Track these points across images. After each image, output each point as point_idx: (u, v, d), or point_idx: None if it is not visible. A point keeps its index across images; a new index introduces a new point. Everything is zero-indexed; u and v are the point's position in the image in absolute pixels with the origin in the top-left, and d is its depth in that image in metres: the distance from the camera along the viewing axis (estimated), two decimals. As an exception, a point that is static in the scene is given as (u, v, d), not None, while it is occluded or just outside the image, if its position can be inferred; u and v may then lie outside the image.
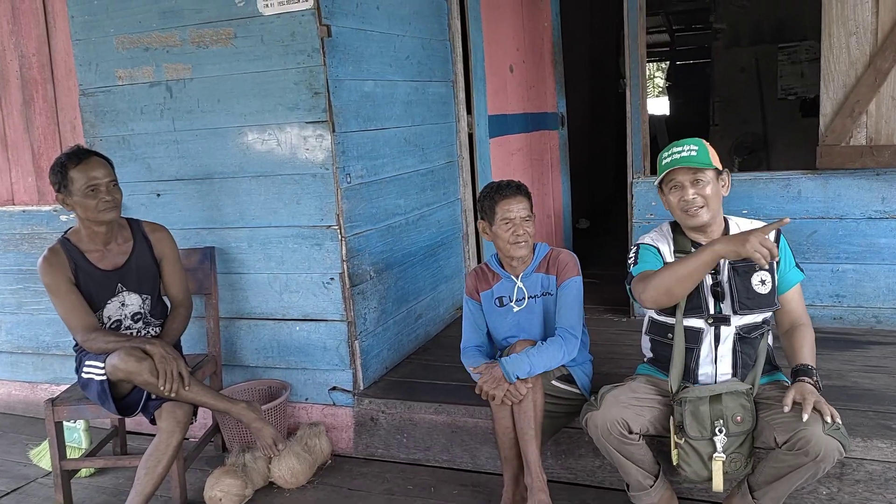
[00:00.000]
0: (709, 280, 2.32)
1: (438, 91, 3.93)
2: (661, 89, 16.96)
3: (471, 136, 4.14)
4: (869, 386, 2.88)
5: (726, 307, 2.31)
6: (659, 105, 15.75)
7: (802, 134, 6.49)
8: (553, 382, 2.65)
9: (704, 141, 2.33)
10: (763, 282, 2.29)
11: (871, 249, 3.46)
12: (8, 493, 3.07)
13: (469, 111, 4.11)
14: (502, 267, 2.70)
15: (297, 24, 2.95)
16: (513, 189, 2.61)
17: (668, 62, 12.04)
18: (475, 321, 2.77)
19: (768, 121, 7.36)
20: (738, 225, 2.36)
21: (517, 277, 2.68)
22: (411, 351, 3.64)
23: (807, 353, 2.26)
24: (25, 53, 3.64)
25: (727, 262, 2.30)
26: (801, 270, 2.36)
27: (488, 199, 2.64)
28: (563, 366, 2.67)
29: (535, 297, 2.67)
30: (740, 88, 7.40)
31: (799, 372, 2.21)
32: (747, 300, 2.29)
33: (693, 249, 2.33)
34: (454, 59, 4.05)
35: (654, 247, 2.40)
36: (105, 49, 3.26)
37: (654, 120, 11.44)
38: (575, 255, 2.71)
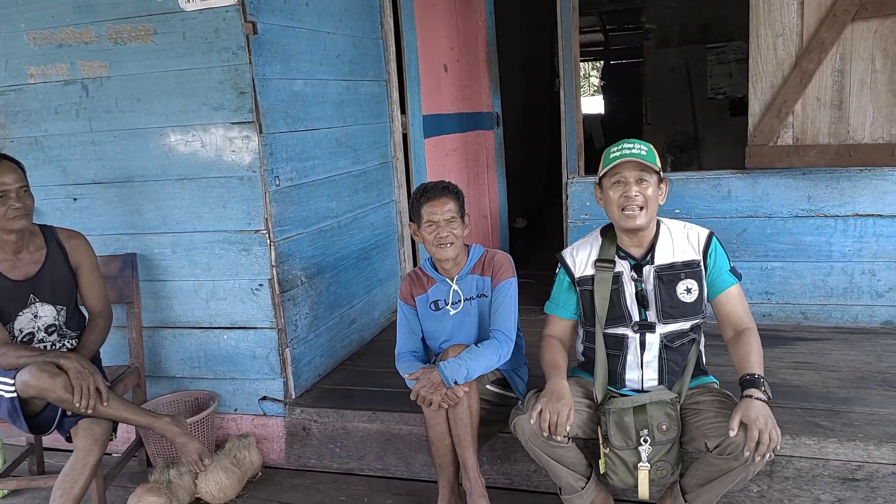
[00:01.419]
0: (632, 288, 2.31)
1: (371, 90, 3.85)
2: (595, 88, 17.21)
3: (405, 137, 4.08)
4: (796, 383, 2.93)
5: (651, 315, 2.30)
6: (594, 104, 15.98)
7: (732, 132, 6.62)
8: (487, 387, 2.62)
9: (651, 145, 2.30)
10: (689, 290, 2.28)
11: (797, 247, 3.54)
12: (-89, 520, 2.87)
13: (403, 111, 4.05)
14: (437, 270, 2.65)
15: (220, 21, 2.83)
16: (438, 191, 2.56)
17: (602, 62, 12.20)
18: (410, 326, 2.71)
19: (699, 120, 7.50)
20: (670, 228, 2.35)
21: (452, 280, 2.63)
22: (345, 357, 3.56)
23: (753, 360, 2.15)
24: (-73, 48, 3.41)
25: (653, 269, 2.29)
26: (737, 275, 2.32)
27: (415, 201, 2.59)
28: (497, 370, 2.64)
29: (470, 299, 2.62)
30: (671, 88, 7.52)
31: (746, 384, 2.09)
32: (671, 308, 2.28)
33: (617, 259, 2.33)
34: (387, 58, 3.97)
35: (570, 274, 2.39)
36: (15, 45, 3.08)
37: (589, 119, 11.52)
38: (510, 256, 2.67)
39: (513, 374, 2.71)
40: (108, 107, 3.03)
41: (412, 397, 2.45)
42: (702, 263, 2.29)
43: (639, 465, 2.20)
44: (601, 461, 2.28)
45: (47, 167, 3.14)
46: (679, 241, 2.31)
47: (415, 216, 2.59)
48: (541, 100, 8.11)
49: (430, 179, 3.51)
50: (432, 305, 2.66)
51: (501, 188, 5.03)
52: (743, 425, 1.98)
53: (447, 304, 2.63)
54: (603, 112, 11.53)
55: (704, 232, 2.33)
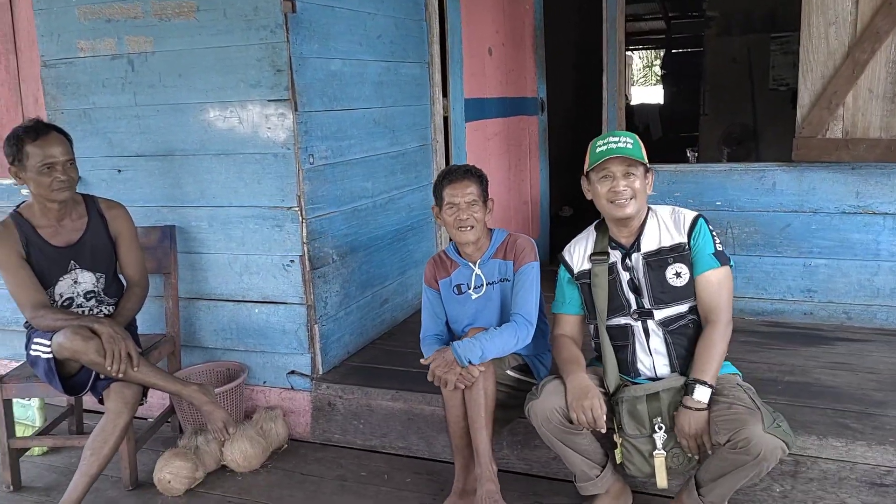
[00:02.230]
0: (626, 276, 2.32)
1: (412, 72, 3.86)
2: (657, 78, 16.84)
3: (446, 120, 4.07)
4: (830, 383, 2.84)
5: (645, 301, 2.30)
6: (654, 94, 15.65)
7: (793, 125, 6.42)
8: (508, 372, 2.61)
9: (636, 136, 2.30)
10: (678, 274, 2.26)
11: (844, 244, 3.41)
12: (-43, 470, 3.03)
13: (445, 94, 4.04)
14: (459, 254, 2.65)
15: (260, -1, 2.88)
16: (460, 174, 2.56)
17: (664, 50, 11.93)
18: (434, 310, 2.72)
19: (758, 111, 7.27)
20: (658, 214, 2.34)
21: (474, 264, 2.62)
22: (376, 336, 3.59)
23: (703, 363, 2.15)
24: (-13, 22, 3.57)
25: (640, 256, 2.29)
26: (723, 260, 2.27)
27: (438, 183, 2.60)
28: (518, 355, 2.63)
29: (492, 283, 2.62)
30: (731, 78, 7.30)
31: (687, 390, 2.14)
32: (662, 294, 2.27)
33: (610, 249, 2.34)
34: (430, 40, 3.97)
35: (570, 271, 2.43)
36: (67, 19, 3.19)
37: (647, 109, 11.37)
38: (532, 241, 2.66)
39: (535, 360, 2.69)
40: (151, 81, 3.11)
41: (429, 378, 2.46)
42: (688, 246, 2.27)
43: (654, 452, 2.18)
44: (617, 451, 2.26)
45: (94, 139, 3.24)
46: (665, 226, 2.31)
47: (437, 198, 2.59)
48: (594, 87, 7.98)
49: (471, 163, 3.51)
50: (455, 289, 2.66)
51: (544, 175, 4.98)
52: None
53: (469, 289, 2.63)
54: (662, 102, 11.30)
55: (691, 214, 2.32)
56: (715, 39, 7.42)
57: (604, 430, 2.21)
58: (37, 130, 2.63)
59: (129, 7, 3.07)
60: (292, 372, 3.18)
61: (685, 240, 2.27)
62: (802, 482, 2.44)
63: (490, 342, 2.42)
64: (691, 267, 2.26)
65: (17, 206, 2.75)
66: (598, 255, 2.36)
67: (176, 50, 3.04)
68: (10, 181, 3.52)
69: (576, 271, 2.41)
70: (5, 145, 2.63)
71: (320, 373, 3.17)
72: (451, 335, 2.74)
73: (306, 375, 3.16)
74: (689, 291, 2.27)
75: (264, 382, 3.24)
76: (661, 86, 12.71)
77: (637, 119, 10.24)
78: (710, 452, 2.12)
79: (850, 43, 3.17)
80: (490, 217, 2.60)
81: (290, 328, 3.13)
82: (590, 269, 2.37)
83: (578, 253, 2.42)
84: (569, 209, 7.02)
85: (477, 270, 2.62)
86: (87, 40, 3.17)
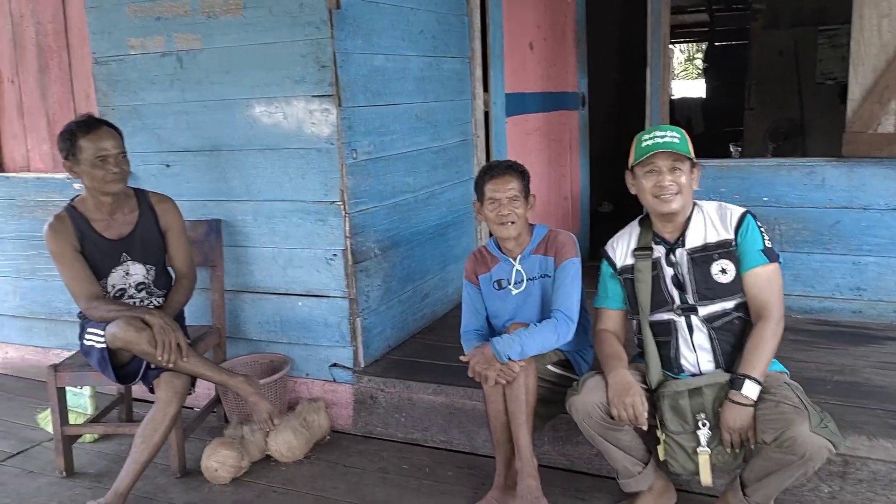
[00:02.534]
0: (669, 272, 2.30)
1: (454, 67, 3.86)
2: (699, 71, 16.58)
3: (487, 115, 4.07)
4: (881, 383, 2.78)
5: (689, 297, 2.27)
6: (696, 87, 15.41)
7: (842, 120, 6.28)
8: (549, 367, 2.60)
9: (683, 130, 2.28)
10: (724, 270, 2.24)
11: (895, 241, 3.33)
12: (13, 455, 3.13)
13: (486, 89, 4.04)
14: (500, 249, 2.65)
15: (306, -5, 2.91)
16: (502, 169, 2.56)
17: (706, 43, 11.74)
18: (474, 305, 2.72)
19: (805, 106, 7.12)
20: (704, 209, 2.31)
21: (515, 260, 2.62)
22: (416, 330, 3.61)
23: (753, 359, 2.12)
24: (42, 20, 3.66)
25: (685, 252, 2.27)
26: (772, 257, 2.23)
27: (479, 178, 2.60)
28: (560, 351, 2.62)
29: (533, 279, 2.61)
30: (778, 72, 7.17)
31: (733, 384, 2.11)
32: (706, 290, 2.25)
33: (654, 245, 2.32)
34: (472, 35, 3.97)
35: (612, 265, 2.42)
36: (118, 17, 3.26)
37: (689, 102, 11.21)
38: (574, 237, 2.64)
39: (576, 356, 2.68)
40: (199, 78, 3.16)
41: (469, 374, 2.47)
42: (734, 242, 2.24)
43: (698, 449, 2.15)
44: (660, 447, 2.25)
45: (144, 134, 3.32)
46: (711, 222, 2.29)
47: (478, 193, 2.60)
48: (637, 82, 7.90)
49: (511, 158, 3.49)
50: (495, 284, 2.66)
51: (584, 170, 4.94)
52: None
53: (510, 284, 2.63)
54: (704, 96, 11.12)
55: (739, 210, 2.28)
56: (761, 32, 7.29)
57: (645, 427, 2.20)
58: (89, 125, 2.70)
59: (179, 5, 3.13)
60: (335, 364, 3.22)
61: (732, 236, 2.24)
62: (851, 483, 2.40)
63: (530, 339, 2.42)
64: (737, 263, 2.24)
65: (72, 200, 2.83)
66: (642, 250, 2.34)
67: (223, 47, 3.09)
68: (64, 175, 3.63)
69: (618, 266, 2.40)
70: (59, 140, 2.71)
71: (362, 366, 3.20)
72: (491, 330, 2.75)
73: (348, 368, 3.19)
74: (734, 288, 2.24)
75: (307, 374, 3.29)
76: (702, 79, 12.52)
77: (678, 113, 10.10)
78: (752, 448, 2.09)
79: (905, 35, 3.09)
80: (531, 213, 2.60)
81: (332, 321, 3.17)
82: (633, 265, 2.35)
83: (621, 248, 2.41)
84: (609, 205, 6.96)
85: (517, 266, 2.62)
86: (138, 38, 3.24)
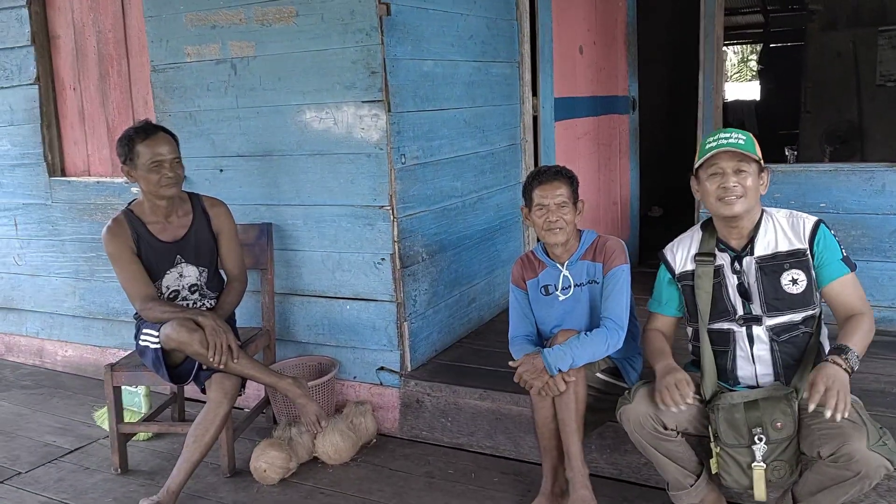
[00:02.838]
0: (734, 281, 2.23)
1: (503, 72, 3.86)
2: (753, 73, 16.24)
3: (535, 119, 4.05)
4: (944, 397, 2.68)
5: (755, 308, 2.20)
6: (749, 89, 15.09)
7: (903, 123, 6.09)
8: (597, 375, 2.58)
9: (751, 134, 2.21)
10: (794, 281, 2.17)
11: (960, 250, 3.21)
12: (71, 451, 3.23)
13: (535, 93, 4.02)
14: (548, 255, 2.64)
15: (356, 3, 2.94)
16: (550, 175, 2.54)
17: (760, 44, 11.49)
18: (522, 310, 2.71)
19: (865, 109, 6.92)
20: (774, 217, 2.24)
21: (562, 265, 2.60)
22: (463, 335, 3.61)
23: (852, 336, 2.06)
24: (102, 29, 3.77)
25: (753, 260, 2.20)
26: (851, 266, 2.17)
27: (528, 184, 2.59)
28: (609, 358, 2.59)
29: (580, 285, 2.59)
30: (835, 73, 6.98)
31: (833, 351, 2.03)
32: (776, 300, 2.18)
33: (717, 251, 2.26)
34: (521, 40, 3.96)
35: (671, 270, 2.36)
36: (175, 26, 3.34)
37: (742, 105, 10.99)
38: (623, 243, 2.61)
39: (625, 363, 2.65)
40: (252, 85, 3.22)
41: (515, 380, 2.46)
42: (808, 252, 2.17)
43: (753, 464, 2.09)
44: (713, 460, 2.19)
45: (198, 140, 3.39)
46: (783, 230, 2.22)
47: (527, 198, 2.59)
48: (688, 84, 7.78)
49: (560, 163, 3.47)
50: (542, 290, 2.64)
51: (634, 175, 4.88)
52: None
53: (557, 290, 2.61)
54: (758, 98, 10.89)
55: (811, 219, 2.21)
56: (818, 34, 7.10)
57: (687, 403, 2.12)
58: (146, 131, 2.78)
59: (234, 13, 3.19)
60: (382, 368, 3.24)
61: (805, 246, 2.18)
62: (910, 500, 2.32)
63: (581, 349, 2.40)
64: (809, 274, 2.17)
65: (129, 204, 2.91)
66: (704, 255, 2.27)
67: (276, 54, 3.14)
68: (122, 180, 3.74)
69: (677, 272, 2.34)
70: (118, 146, 2.79)
71: (409, 370, 3.22)
72: (539, 336, 2.74)
73: (395, 372, 3.21)
74: (805, 300, 2.17)
75: (354, 377, 3.32)
76: (756, 81, 12.26)
77: (731, 116, 9.90)
78: (844, 415, 1.91)
79: (972, 35, 2.98)
80: (580, 218, 2.57)
81: (380, 325, 3.19)
82: (693, 271, 2.29)
83: (682, 252, 2.35)
84: (658, 209, 6.87)
85: (565, 272, 2.60)
86: (194, 45, 3.31)
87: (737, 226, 2.22)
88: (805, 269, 2.17)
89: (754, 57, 16.33)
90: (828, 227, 2.19)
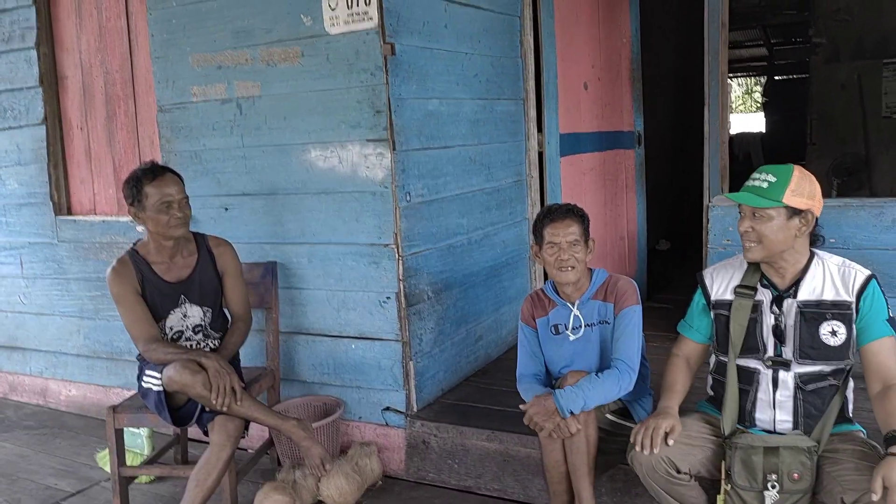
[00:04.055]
0: (771, 320, 2.17)
1: (508, 109, 3.87)
2: (758, 105, 16.31)
3: (541, 155, 4.05)
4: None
5: (787, 352, 2.15)
6: (754, 121, 15.14)
7: (910, 156, 6.09)
8: (608, 416, 2.54)
9: (797, 173, 2.10)
10: (834, 332, 2.10)
11: (973, 286, 3.16)
12: (73, 494, 3.19)
13: (540, 129, 4.02)
14: (557, 293, 2.61)
15: (361, 43, 2.96)
16: (562, 213, 2.51)
17: (765, 77, 11.57)
18: (531, 349, 2.67)
19: (871, 140, 6.92)
20: (825, 262, 2.17)
21: (573, 305, 2.57)
22: (470, 373, 3.57)
23: None
24: (110, 70, 3.81)
25: (795, 303, 2.14)
26: (895, 326, 2.10)
27: (538, 222, 2.56)
28: (619, 399, 2.55)
29: (591, 325, 2.55)
30: (840, 106, 7.00)
31: (891, 440, 1.90)
32: (811, 349, 2.12)
33: (759, 286, 2.20)
34: (525, 77, 3.97)
35: (706, 295, 2.31)
36: (181, 67, 3.37)
37: (748, 137, 11.02)
38: (634, 283, 2.58)
39: (635, 405, 2.60)
40: (258, 124, 3.24)
41: (525, 421, 2.42)
42: (853, 306, 2.10)
43: None
44: (720, 497, 2.14)
45: (204, 179, 3.40)
46: (831, 279, 2.14)
47: (537, 236, 2.56)
48: (693, 118, 7.81)
49: (566, 199, 3.46)
50: (553, 329, 2.61)
51: (641, 209, 4.86)
52: (885, 488, 1.80)
53: (567, 329, 2.57)
54: (764, 130, 10.93)
55: (864, 272, 2.13)
56: (822, 66, 7.14)
57: (646, 452, 2.10)
58: (154, 172, 2.78)
59: (239, 54, 3.21)
60: (387, 408, 3.19)
61: (852, 299, 2.10)
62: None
63: (592, 391, 2.35)
64: (850, 328, 2.10)
65: (134, 244, 2.90)
66: (746, 288, 2.21)
67: (281, 93, 3.16)
68: (127, 218, 3.74)
69: (713, 299, 2.29)
70: (125, 187, 2.79)
71: (415, 410, 3.17)
72: (547, 375, 2.69)
73: (401, 412, 3.16)
74: (840, 353, 2.11)
75: (360, 418, 3.27)
76: (761, 113, 12.31)
77: (737, 148, 9.93)
78: None
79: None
80: (591, 257, 2.55)
81: (385, 364, 3.15)
82: (731, 301, 2.23)
83: (721, 280, 2.29)
84: (666, 242, 6.84)
85: (575, 311, 2.57)
86: (200, 86, 3.34)
87: (775, 267, 2.17)
88: (847, 322, 2.10)
89: (759, 88, 16.43)
90: (879, 284, 2.12)
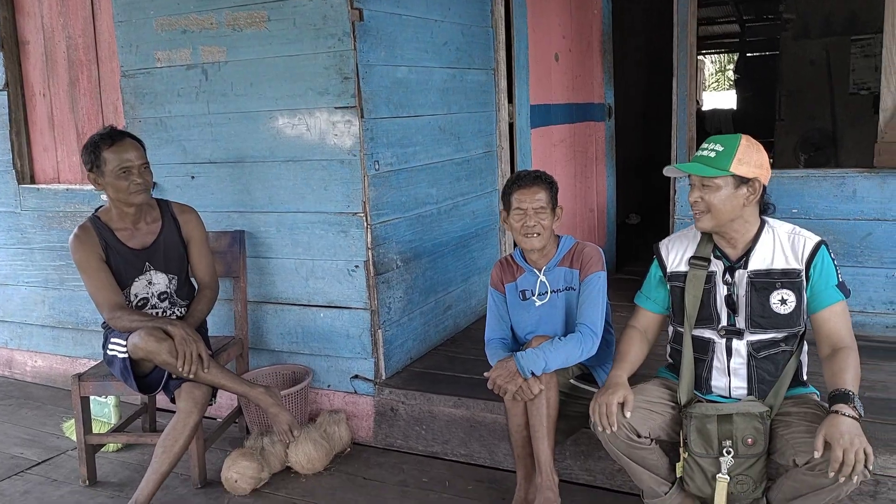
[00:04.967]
0: (724, 291, 2.21)
1: (478, 79, 3.86)
2: (731, 82, 16.42)
3: (511, 126, 4.05)
4: (915, 400, 2.69)
5: (740, 321, 2.19)
6: (728, 99, 15.26)
7: (874, 131, 6.16)
8: (571, 381, 2.57)
9: (744, 143, 2.11)
10: (783, 301, 2.14)
11: (930, 255, 3.24)
12: (38, 464, 3.17)
13: (510, 100, 4.02)
14: (526, 260, 2.62)
15: (328, 8, 2.92)
16: (530, 179, 2.52)
17: (737, 54, 11.63)
18: (499, 313, 2.70)
19: (838, 116, 7.01)
20: (775, 231, 2.20)
21: (540, 271, 2.59)
22: (439, 342, 3.59)
23: (848, 378, 1.99)
24: (72, 35, 3.73)
25: (746, 273, 2.17)
26: (845, 291, 2.14)
27: (507, 187, 2.57)
28: (582, 364, 2.59)
29: (557, 291, 2.58)
30: (809, 82, 7.07)
31: (836, 398, 1.94)
32: (761, 318, 2.16)
33: (713, 257, 2.23)
34: (496, 47, 3.96)
35: (662, 267, 2.34)
36: (145, 31, 3.31)
37: (720, 114, 11.10)
38: (600, 250, 2.61)
39: (599, 370, 2.64)
40: (224, 90, 3.19)
41: (489, 385, 2.45)
42: (803, 274, 2.13)
43: (718, 476, 2.10)
44: (679, 464, 2.20)
45: (169, 146, 3.35)
46: (781, 247, 2.17)
47: (505, 202, 2.57)
48: (665, 91, 7.85)
49: (526, 168, 3.45)
50: (520, 294, 2.63)
51: (610, 182, 4.90)
52: (828, 444, 1.85)
53: (534, 295, 2.60)
54: (735, 107, 11.01)
55: (813, 239, 2.16)
56: (792, 42, 7.20)
57: (608, 431, 2.13)
58: (112, 137, 2.73)
59: (205, 18, 3.16)
60: (356, 376, 3.21)
61: (801, 267, 2.13)
62: (883, 503, 2.32)
63: (554, 353, 2.38)
64: (800, 296, 2.13)
65: (96, 211, 2.86)
66: (699, 259, 2.24)
67: (247, 59, 3.12)
68: (90, 187, 3.68)
69: (669, 271, 2.31)
70: (83, 153, 2.74)
71: (383, 378, 3.19)
72: (515, 340, 2.72)
73: (369, 380, 3.18)
74: (791, 321, 2.14)
75: (328, 386, 3.28)
76: (734, 90, 12.40)
77: (709, 124, 10.00)
78: (869, 468, 1.84)
79: (939, 43, 3.02)
80: (558, 224, 2.56)
81: (354, 333, 3.16)
82: (685, 272, 2.26)
83: (677, 252, 2.31)
84: (636, 216, 6.90)
85: (542, 277, 2.59)
86: (164, 51, 3.28)
87: (726, 237, 2.19)
88: (797, 290, 2.13)
89: (731, 66, 16.51)
90: (828, 250, 2.15)
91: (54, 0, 3.74)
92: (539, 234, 2.49)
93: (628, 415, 2.13)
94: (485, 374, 2.51)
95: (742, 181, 2.10)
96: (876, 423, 2.50)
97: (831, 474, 1.83)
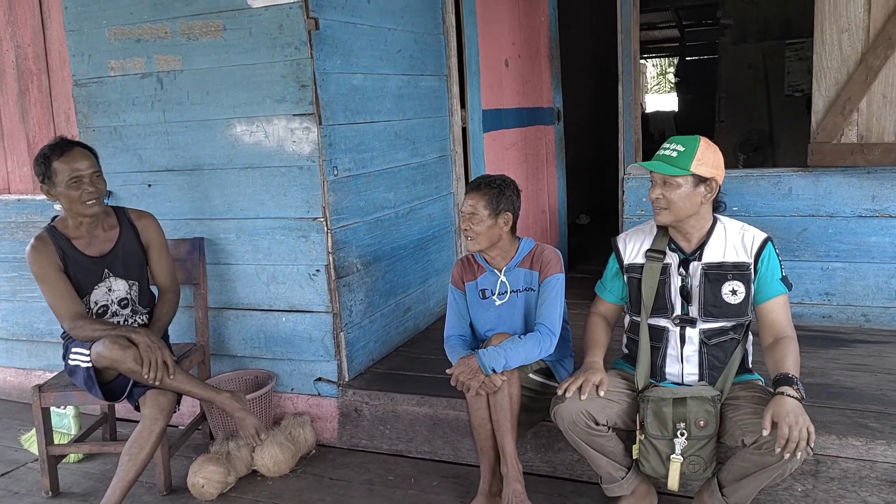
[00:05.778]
0: (678, 281, 2.34)
1: (431, 85, 3.94)
2: (672, 85, 16.85)
3: (465, 131, 4.15)
4: (850, 384, 2.87)
5: (693, 310, 2.32)
6: (669, 101, 15.67)
7: (808, 131, 6.44)
8: (531, 376, 2.67)
9: (702, 144, 2.25)
10: (734, 291, 2.29)
11: (860, 248, 3.44)
12: (-2, 477, 3.13)
13: (463, 105, 4.12)
14: (486, 260, 2.71)
15: (284, 17, 2.97)
16: (473, 185, 2.65)
17: (678, 58, 11.97)
18: (459, 310, 2.78)
19: (775, 118, 7.30)
20: (726, 227, 2.34)
21: (500, 271, 2.69)
22: (399, 343, 3.66)
23: (790, 364, 2.15)
24: (21, 44, 3.69)
25: (700, 266, 2.30)
26: (788, 285, 2.30)
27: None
28: (542, 360, 2.68)
29: (517, 291, 2.67)
30: (747, 85, 7.35)
31: (780, 382, 2.09)
32: (714, 307, 2.30)
33: (668, 250, 2.36)
34: (448, 54, 4.05)
35: (619, 259, 2.47)
36: (98, 40, 3.30)
37: (662, 116, 11.42)
38: (559, 252, 2.71)
39: (557, 365, 2.74)
40: (180, 99, 3.21)
41: (452, 382, 2.53)
42: (752, 267, 2.29)
43: (672, 456, 2.22)
44: (635, 446, 2.32)
45: (125, 155, 3.35)
46: (732, 242, 2.32)
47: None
48: (611, 94, 8.05)
49: (489, 173, 3.54)
50: (480, 293, 2.72)
51: (561, 183, 5.04)
52: (775, 423, 1.99)
53: (494, 294, 2.69)
54: (677, 109, 11.34)
55: (761, 236, 2.31)
56: (730, 47, 7.46)
57: (581, 398, 2.27)
58: (62, 147, 2.71)
59: (159, 27, 3.17)
60: (319, 379, 3.25)
61: (750, 260, 2.28)
62: (823, 481, 2.48)
63: (514, 351, 2.48)
64: (748, 287, 2.28)
65: (52, 220, 2.85)
66: (655, 252, 2.37)
67: (203, 68, 3.14)
68: (43, 197, 3.64)
69: (626, 263, 2.44)
70: (35, 165, 2.72)
71: (346, 379, 3.24)
72: (474, 337, 2.81)
73: (333, 382, 3.23)
74: (740, 310, 2.29)
75: (292, 389, 3.32)
76: (675, 93, 12.76)
77: (652, 126, 10.30)
78: (811, 445, 1.98)
79: (864, 49, 3.22)
80: (505, 230, 2.61)
81: (316, 336, 3.20)
82: (642, 264, 2.39)
83: (633, 245, 2.44)
84: (586, 217, 7.08)
85: (502, 277, 2.68)
86: (118, 60, 3.27)
87: (681, 231, 2.32)
88: (746, 282, 2.29)
89: (672, 69, 16.96)
90: (774, 246, 2.30)
91: (2, 9, 3.69)
92: (472, 238, 2.59)
93: (601, 394, 2.27)
94: (447, 370, 2.59)
95: (701, 180, 2.24)
96: (815, 407, 2.66)
97: (777, 450, 1.97)
